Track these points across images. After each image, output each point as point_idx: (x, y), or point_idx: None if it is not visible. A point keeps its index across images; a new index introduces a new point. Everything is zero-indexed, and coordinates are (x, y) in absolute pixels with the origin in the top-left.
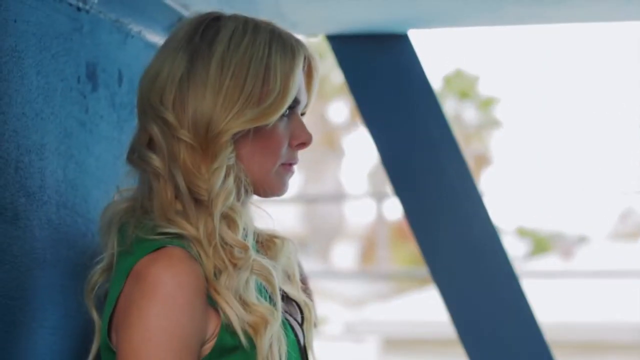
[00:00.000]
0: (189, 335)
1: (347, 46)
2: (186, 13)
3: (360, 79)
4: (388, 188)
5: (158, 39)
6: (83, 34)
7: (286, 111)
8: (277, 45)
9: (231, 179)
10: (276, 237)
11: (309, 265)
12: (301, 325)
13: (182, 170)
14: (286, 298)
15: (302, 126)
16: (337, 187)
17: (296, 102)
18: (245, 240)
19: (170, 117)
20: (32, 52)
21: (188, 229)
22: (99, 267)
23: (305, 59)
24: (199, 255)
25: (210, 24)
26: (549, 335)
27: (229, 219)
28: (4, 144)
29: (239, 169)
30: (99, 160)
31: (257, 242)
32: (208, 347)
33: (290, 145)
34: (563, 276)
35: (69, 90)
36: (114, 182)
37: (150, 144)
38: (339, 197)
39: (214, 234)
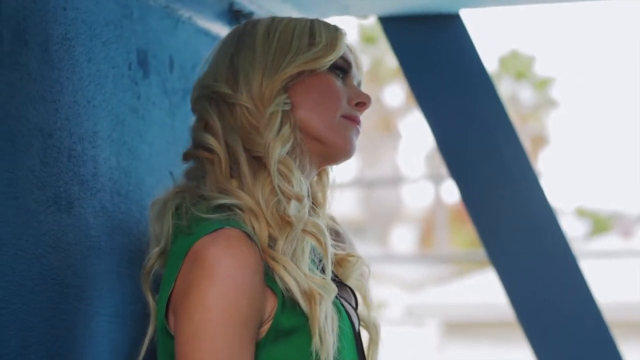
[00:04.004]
0: (248, 316)
1: (399, 27)
2: None
3: (413, 60)
4: (445, 170)
5: (208, 24)
6: (133, 21)
7: (339, 74)
8: (319, 22)
9: (287, 128)
10: (351, 255)
11: (368, 249)
12: (355, 309)
13: (241, 134)
14: (340, 284)
15: (359, 90)
16: (394, 170)
17: (348, 64)
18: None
19: (224, 87)
20: (83, 39)
21: (243, 198)
22: (155, 251)
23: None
24: (254, 229)
25: (251, 20)
26: (609, 316)
27: (283, 175)
28: (57, 133)
29: (295, 124)
30: (152, 146)
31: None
32: (264, 330)
33: (349, 103)
34: (623, 256)
35: (120, 77)
36: (167, 168)
37: (206, 128)
38: (396, 180)
39: (273, 191)
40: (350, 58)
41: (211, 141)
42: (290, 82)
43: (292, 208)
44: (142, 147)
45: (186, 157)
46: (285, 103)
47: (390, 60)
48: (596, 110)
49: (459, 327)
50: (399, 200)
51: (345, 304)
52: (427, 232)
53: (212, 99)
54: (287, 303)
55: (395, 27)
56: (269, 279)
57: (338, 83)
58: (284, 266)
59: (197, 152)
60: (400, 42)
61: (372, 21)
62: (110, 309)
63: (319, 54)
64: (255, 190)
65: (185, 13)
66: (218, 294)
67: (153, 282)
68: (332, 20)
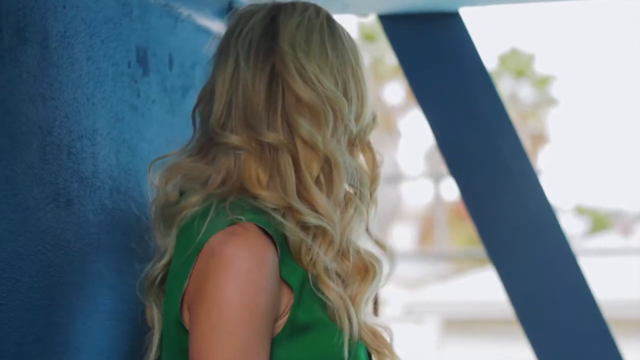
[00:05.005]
0: (266, 311)
1: (398, 26)
2: None
3: (413, 59)
4: (445, 168)
5: (208, 22)
6: (132, 19)
7: None
8: None
9: None
10: None
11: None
12: None
13: (350, 161)
14: None
15: None
16: (394, 168)
17: None
18: None
19: (345, 103)
20: (82, 37)
21: (331, 215)
22: (159, 265)
23: None
24: (321, 243)
25: (333, 19)
26: (609, 313)
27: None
28: (56, 130)
29: None
30: (152, 144)
31: None
32: (280, 325)
33: None
34: (623, 253)
35: (120, 75)
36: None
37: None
38: (396, 178)
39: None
40: None
41: (317, 139)
42: None
43: (368, 259)
44: (142, 145)
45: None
46: None
47: (390, 58)
48: (596, 108)
49: (459, 325)
50: (399, 198)
51: None
52: (426, 229)
53: (326, 97)
54: (305, 297)
55: (395, 25)
56: (284, 271)
57: None
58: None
59: (277, 138)
60: (400, 40)
61: (371, 19)
62: (109, 306)
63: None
64: (342, 221)
65: (184, 11)
66: (236, 289)
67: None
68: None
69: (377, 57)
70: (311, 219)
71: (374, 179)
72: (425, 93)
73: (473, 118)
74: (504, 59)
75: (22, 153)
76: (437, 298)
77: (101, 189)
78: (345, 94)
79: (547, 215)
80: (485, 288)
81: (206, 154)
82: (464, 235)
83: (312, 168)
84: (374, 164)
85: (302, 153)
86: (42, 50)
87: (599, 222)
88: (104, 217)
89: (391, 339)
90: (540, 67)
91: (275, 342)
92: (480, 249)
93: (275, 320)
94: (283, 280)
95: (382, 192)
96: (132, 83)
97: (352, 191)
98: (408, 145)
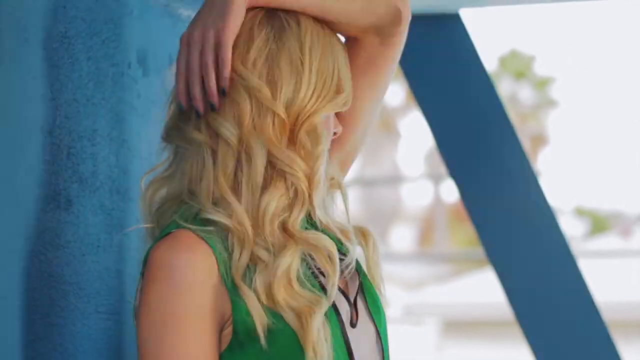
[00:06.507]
0: (194, 315)
1: None
2: None
3: (413, 60)
4: (445, 170)
5: None
6: (133, 19)
7: None
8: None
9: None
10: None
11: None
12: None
13: (265, 141)
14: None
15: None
16: (394, 169)
17: None
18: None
19: (263, 87)
20: (82, 37)
21: (238, 214)
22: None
23: None
24: (234, 246)
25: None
26: (608, 315)
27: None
28: (56, 130)
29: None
30: (151, 145)
31: None
32: (228, 333)
33: None
34: (622, 255)
35: (120, 76)
36: None
37: (224, 115)
38: (396, 179)
39: (285, 209)
40: None
41: (229, 133)
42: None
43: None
44: (141, 146)
45: (183, 137)
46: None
47: None
48: (596, 110)
49: (458, 326)
50: (399, 199)
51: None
52: (426, 231)
53: (248, 91)
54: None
55: None
56: (225, 275)
57: None
58: (252, 303)
59: (199, 136)
60: None
61: None
62: (109, 307)
63: (348, 98)
64: (259, 206)
65: (184, 12)
66: (160, 297)
67: None
68: None
69: None
70: (206, 214)
71: (315, 159)
72: (425, 94)
73: (473, 119)
74: (503, 61)
75: (22, 154)
76: (436, 299)
77: (101, 190)
78: (273, 80)
79: (546, 217)
80: (484, 289)
81: (174, 159)
82: (464, 236)
83: (227, 160)
84: (316, 144)
85: (220, 148)
86: (42, 50)
87: (599, 224)
88: (104, 218)
89: (314, 315)
90: (540, 69)
91: (226, 356)
92: (479, 251)
93: (222, 327)
94: (224, 284)
95: (382, 193)
96: (133, 84)
97: (288, 177)
98: (408, 146)
